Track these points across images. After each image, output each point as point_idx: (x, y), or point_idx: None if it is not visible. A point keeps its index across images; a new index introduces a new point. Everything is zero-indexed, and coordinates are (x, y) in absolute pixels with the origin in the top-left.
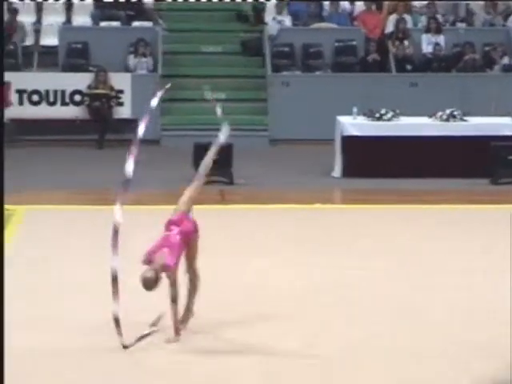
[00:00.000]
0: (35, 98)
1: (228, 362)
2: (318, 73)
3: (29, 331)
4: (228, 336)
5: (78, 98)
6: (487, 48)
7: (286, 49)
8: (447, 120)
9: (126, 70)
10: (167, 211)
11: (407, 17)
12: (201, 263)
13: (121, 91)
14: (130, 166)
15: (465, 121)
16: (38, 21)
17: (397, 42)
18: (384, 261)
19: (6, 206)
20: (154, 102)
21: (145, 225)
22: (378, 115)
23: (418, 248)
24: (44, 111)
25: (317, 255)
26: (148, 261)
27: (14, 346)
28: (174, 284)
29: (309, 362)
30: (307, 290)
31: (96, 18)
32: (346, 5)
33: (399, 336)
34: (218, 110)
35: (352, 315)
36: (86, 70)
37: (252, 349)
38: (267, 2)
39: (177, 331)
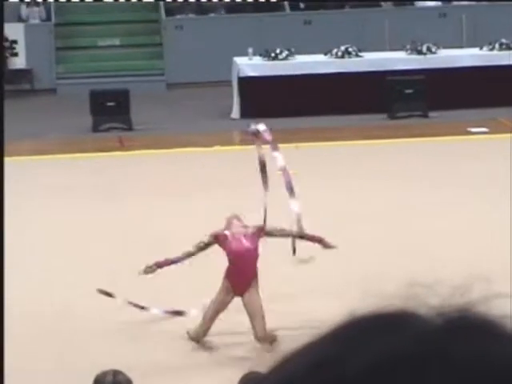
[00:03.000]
0: None
1: None
2: (212, 15)
3: None
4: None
5: None
6: None
7: None
8: (342, 57)
9: (19, 19)
10: (68, 160)
11: None
12: (107, 208)
13: (14, 41)
14: None
15: (360, 57)
16: None
17: None
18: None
19: None
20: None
21: (46, 174)
22: (273, 55)
23: (318, 185)
24: None
25: (218, 198)
26: None
27: None
28: None
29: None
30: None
31: None
32: None
33: None
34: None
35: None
36: None
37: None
38: None
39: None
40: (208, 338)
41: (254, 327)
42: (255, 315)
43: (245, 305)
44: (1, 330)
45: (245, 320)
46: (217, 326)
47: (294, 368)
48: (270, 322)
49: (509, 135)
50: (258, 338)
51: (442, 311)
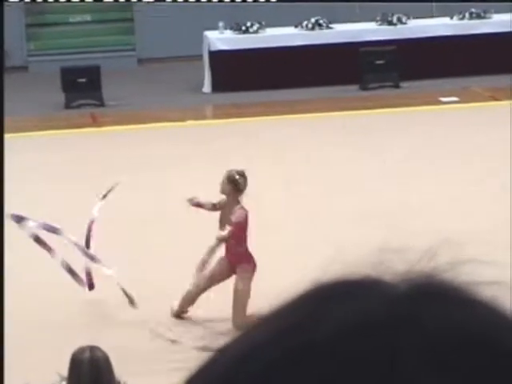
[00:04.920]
0: None
1: None
2: None
3: None
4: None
5: None
6: None
7: None
8: (313, 29)
9: None
10: (41, 137)
11: None
12: (82, 185)
13: None
14: None
15: (330, 28)
16: None
17: None
18: (266, 169)
19: None
20: (96, 208)
21: (19, 151)
22: (243, 28)
23: (295, 156)
24: None
25: (195, 171)
26: None
27: None
28: None
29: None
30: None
31: None
32: None
33: None
34: None
35: None
36: None
37: None
38: None
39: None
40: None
41: (233, 313)
42: (237, 302)
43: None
44: (1, 329)
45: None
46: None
47: (258, 336)
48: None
49: (480, 104)
50: (233, 324)
51: (408, 277)
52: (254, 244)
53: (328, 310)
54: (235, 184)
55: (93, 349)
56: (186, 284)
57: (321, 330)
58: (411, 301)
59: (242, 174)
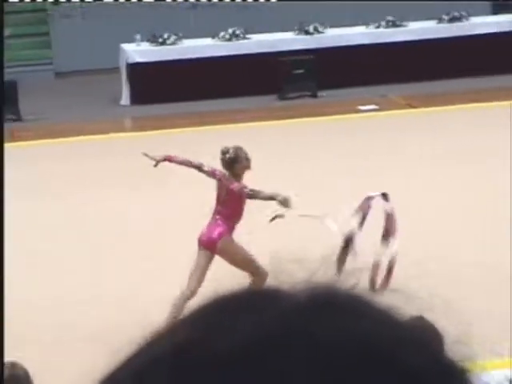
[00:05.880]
0: None
1: None
2: (98, 2)
3: None
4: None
5: None
6: None
7: None
8: (230, 39)
9: None
10: None
11: None
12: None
13: None
14: None
15: (248, 39)
16: None
17: None
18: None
19: None
20: None
21: None
22: (161, 40)
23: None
24: None
25: (115, 187)
26: None
27: None
28: None
29: None
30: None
31: None
32: None
33: None
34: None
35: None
36: None
37: None
38: None
39: None
40: None
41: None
42: (194, 272)
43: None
44: (1, 329)
45: None
46: None
47: (157, 350)
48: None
49: (398, 111)
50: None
51: (307, 287)
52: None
53: (226, 323)
54: (228, 161)
55: (13, 365)
56: None
57: (219, 344)
58: (308, 313)
59: (236, 150)
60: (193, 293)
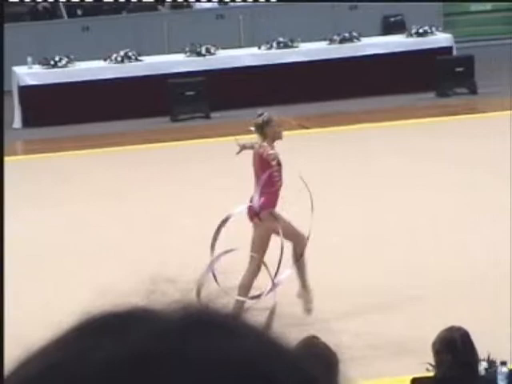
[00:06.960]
0: None
1: None
2: None
3: None
4: None
5: None
6: None
7: None
8: (122, 61)
9: None
10: None
11: None
12: None
13: None
14: None
15: (140, 61)
16: None
17: None
18: (97, 203)
19: None
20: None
21: None
22: (52, 62)
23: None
24: None
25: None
26: None
27: None
28: None
29: None
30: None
31: None
32: None
33: None
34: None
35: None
36: None
37: None
38: None
39: None
40: None
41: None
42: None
43: None
44: (1, 329)
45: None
46: None
47: (29, 372)
48: None
49: (290, 132)
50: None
51: (179, 307)
52: None
53: (93, 346)
54: (261, 123)
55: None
56: None
57: (88, 366)
58: (180, 333)
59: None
60: (259, 267)
